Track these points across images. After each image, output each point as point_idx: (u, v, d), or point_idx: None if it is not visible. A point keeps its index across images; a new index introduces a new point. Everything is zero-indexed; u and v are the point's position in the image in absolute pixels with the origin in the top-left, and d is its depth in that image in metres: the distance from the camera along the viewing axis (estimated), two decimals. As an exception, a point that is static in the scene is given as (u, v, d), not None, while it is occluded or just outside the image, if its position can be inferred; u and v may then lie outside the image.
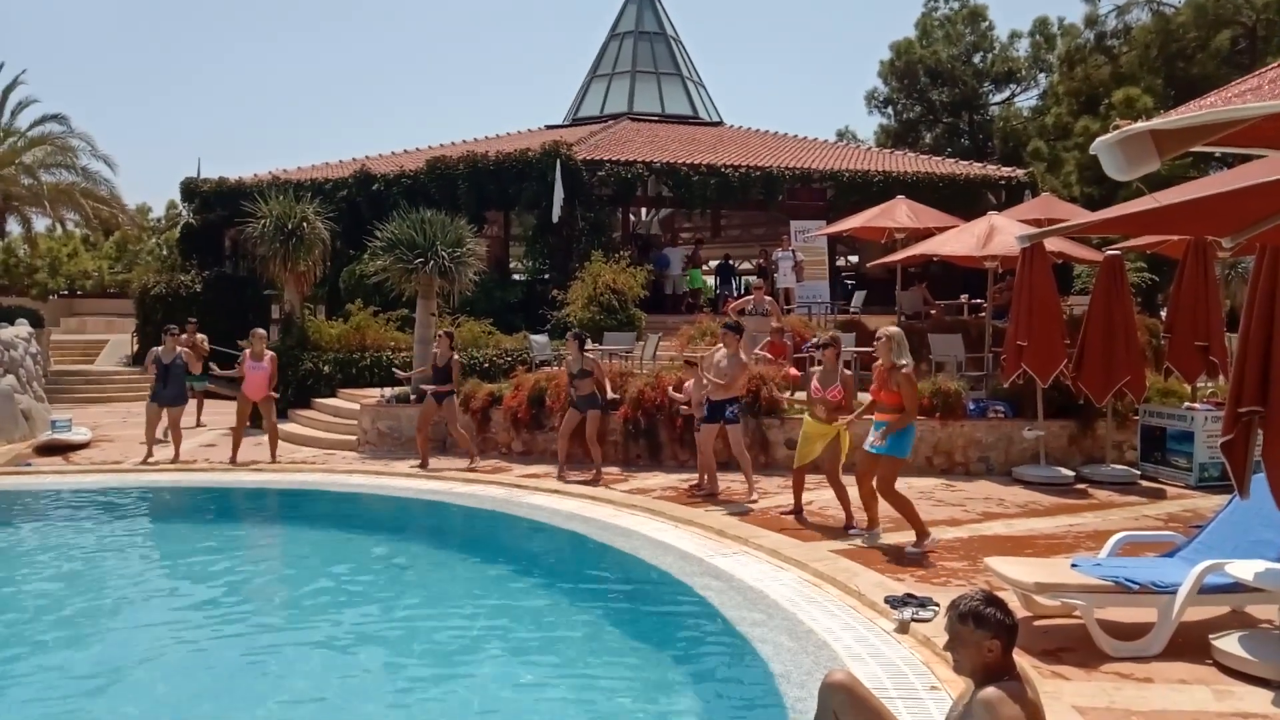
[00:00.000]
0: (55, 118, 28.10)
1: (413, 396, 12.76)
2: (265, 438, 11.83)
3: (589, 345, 10.97)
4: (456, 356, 11.49)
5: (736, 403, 9.15)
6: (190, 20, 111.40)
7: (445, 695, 4.89)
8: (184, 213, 26.24)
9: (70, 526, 8.73)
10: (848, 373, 8.27)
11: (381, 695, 4.89)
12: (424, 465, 11.17)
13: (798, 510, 8.41)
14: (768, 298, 13.76)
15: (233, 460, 11.50)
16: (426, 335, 12.92)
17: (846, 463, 8.08)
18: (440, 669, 5.31)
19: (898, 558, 6.93)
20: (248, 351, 11.68)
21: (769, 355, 12.03)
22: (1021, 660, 4.71)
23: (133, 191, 37.50)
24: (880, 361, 7.20)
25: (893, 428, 7.05)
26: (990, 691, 2.92)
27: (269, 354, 11.75)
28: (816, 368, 8.21)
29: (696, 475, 9.66)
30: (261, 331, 12.10)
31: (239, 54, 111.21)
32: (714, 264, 35.73)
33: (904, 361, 7.04)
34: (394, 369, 12.79)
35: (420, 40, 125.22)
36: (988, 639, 2.96)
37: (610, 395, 10.63)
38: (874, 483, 7.20)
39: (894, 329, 7.34)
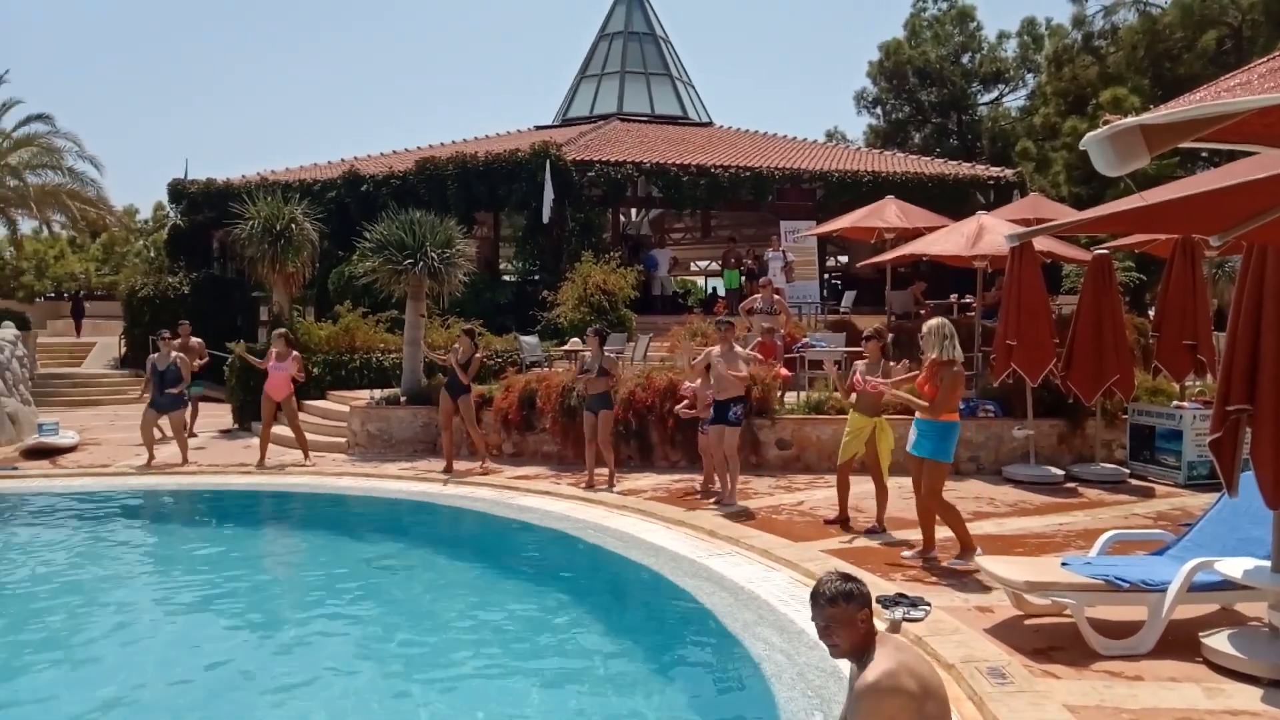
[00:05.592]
0: (41, 118, 27.68)
1: (403, 398, 12.72)
2: (255, 441, 11.79)
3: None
4: (479, 355, 11.12)
5: (741, 403, 8.88)
6: (177, 20, 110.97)
7: (436, 697, 4.86)
8: (171, 214, 26.05)
9: (56, 530, 8.65)
10: (894, 364, 7.81)
11: (372, 698, 4.86)
12: (449, 469, 10.77)
13: (843, 519, 7.89)
14: (776, 295, 13.62)
15: (260, 463, 11.40)
16: (416, 337, 12.87)
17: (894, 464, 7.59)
18: (430, 672, 5.26)
19: (890, 557, 6.91)
20: (273, 351, 11.67)
21: (759, 355, 11.97)
22: (1013, 658, 4.76)
23: (119, 193, 37.21)
24: (931, 354, 6.64)
25: (924, 410, 6.54)
26: (871, 679, 2.88)
27: (293, 353, 11.75)
28: (861, 361, 7.96)
29: (700, 476, 9.59)
30: (283, 331, 12.04)
31: (226, 55, 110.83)
32: (704, 264, 35.71)
33: (951, 357, 6.56)
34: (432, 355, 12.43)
35: (409, 41, 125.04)
36: (859, 611, 3.02)
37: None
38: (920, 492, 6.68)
39: (939, 320, 6.77)
